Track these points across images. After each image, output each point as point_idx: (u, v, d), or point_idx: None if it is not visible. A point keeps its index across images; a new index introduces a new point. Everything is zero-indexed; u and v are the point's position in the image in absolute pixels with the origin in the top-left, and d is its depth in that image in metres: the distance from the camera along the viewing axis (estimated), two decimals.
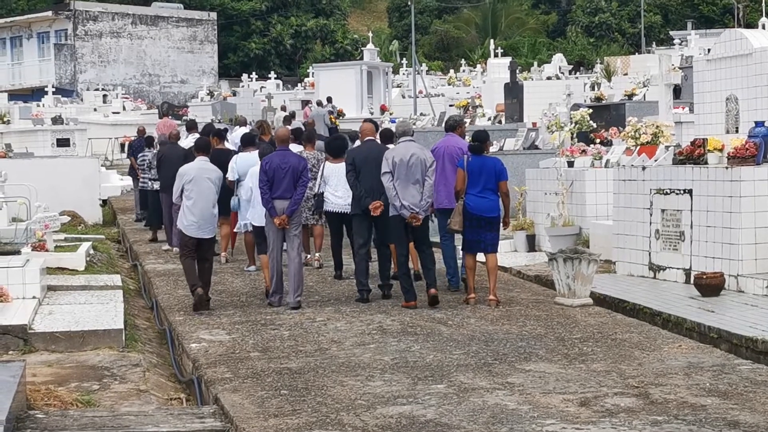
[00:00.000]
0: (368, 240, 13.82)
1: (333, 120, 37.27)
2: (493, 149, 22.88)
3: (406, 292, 12.73)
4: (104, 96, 55.21)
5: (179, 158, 16.72)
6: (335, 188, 14.96)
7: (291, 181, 12.84)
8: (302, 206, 15.71)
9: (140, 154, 22.44)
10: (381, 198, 12.94)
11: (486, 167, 12.82)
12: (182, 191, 13.06)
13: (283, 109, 43.04)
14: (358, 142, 15.33)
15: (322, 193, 15.12)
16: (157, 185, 19.78)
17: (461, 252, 13.37)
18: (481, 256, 13.01)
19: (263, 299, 13.28)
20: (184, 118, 41.93)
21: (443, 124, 14.49)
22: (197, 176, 13.05)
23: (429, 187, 12.68)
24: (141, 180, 21.97)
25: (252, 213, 14.45)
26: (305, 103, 48.93)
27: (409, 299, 12.67)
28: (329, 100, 41.32)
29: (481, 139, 13.08)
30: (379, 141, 14.42)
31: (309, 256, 16.40)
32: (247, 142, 16.80)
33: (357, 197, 13.42)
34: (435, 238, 14.31)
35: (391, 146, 13.75)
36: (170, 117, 32.51)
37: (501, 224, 13.21)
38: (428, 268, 12.87)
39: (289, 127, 19.69)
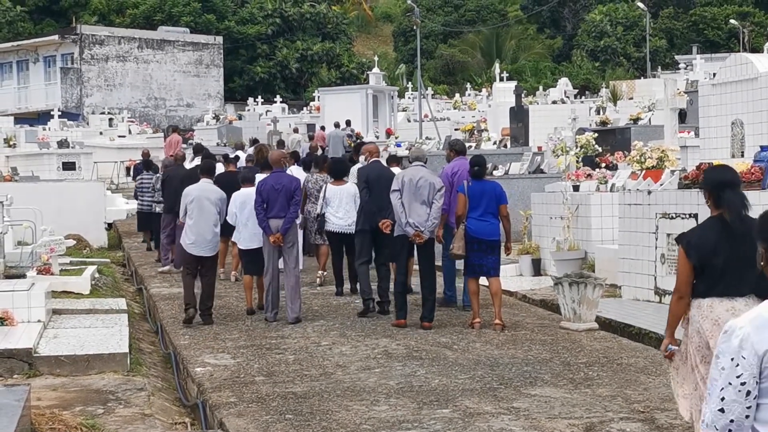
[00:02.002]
0: (369, 257, 14.14)
1: (350, 143, 37.28)
2: (498, 173, 22.94)
3: (399, 310, 12.92)
4: (110, 120, 55.41)
5: (181, 180, 16.80)
6: (336, 210, 15.35)
7: (285, 201, 13.27)
8: (308, 228, 16.09)
9: (138, 177, 22.60)
10: (389, 217, 13.18)
11: (486, 191, 12.89)
12: (186, 211, 13.56)
13: (296, 131, 43.22)
14: (362, 158, 15.68)
15: (324, 214, 15.39)
16: (158, 207, 19.84)
17: (464, 277, 13.41)
18: (483, 281, 13.02)
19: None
20: (190, 141, 42.06)
21: (456, 146, 14.60)
22: (198, 197, 13.54)
23: (436, 209, 12.79)
24: (139, 202, 22.17)
25: (237, 236, 14.69)
26: (310, 126, 49.01)
27: (400, 317, 12.87)
28: (348, 123, 41.42)
29: (481, 164, 13.20)
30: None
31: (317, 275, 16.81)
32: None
33: (369, 213, 13.61)
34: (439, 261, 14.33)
35: (396, 168, 13.96)
36: (178, 133, 32.38)
37: (502, 249, 13.22)
38: (427, 298, 12.92)
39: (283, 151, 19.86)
